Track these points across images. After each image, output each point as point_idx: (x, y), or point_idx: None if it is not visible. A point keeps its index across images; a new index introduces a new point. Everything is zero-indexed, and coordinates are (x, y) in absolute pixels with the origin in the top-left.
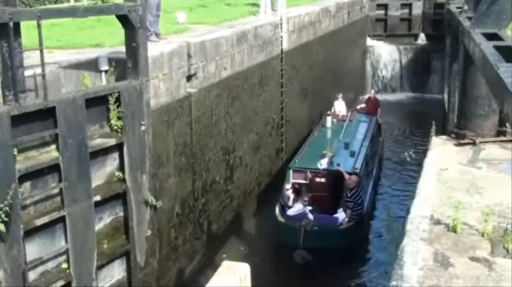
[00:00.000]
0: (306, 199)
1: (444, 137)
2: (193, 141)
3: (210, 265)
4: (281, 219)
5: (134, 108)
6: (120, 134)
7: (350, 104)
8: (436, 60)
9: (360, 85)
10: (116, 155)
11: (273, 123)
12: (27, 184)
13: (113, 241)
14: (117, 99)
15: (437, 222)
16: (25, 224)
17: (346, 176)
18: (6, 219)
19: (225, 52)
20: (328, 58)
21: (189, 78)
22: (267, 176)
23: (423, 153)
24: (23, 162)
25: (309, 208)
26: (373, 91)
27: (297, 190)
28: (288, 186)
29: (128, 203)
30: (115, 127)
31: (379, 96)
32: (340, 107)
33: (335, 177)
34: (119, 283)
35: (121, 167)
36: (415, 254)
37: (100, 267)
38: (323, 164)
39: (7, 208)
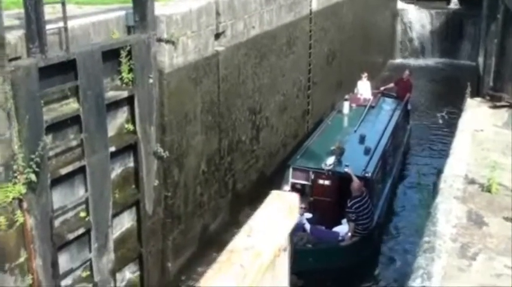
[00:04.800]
0: (303, 205)
1: (479, 99)
2: (220, 100)
3: (233, 224)
4: None
5: (143, 62)
6: (130, 87)
7: (378, 69)
8: (469, 25)
9: (389, 49)
10: (126, 107)
11: (299, 84)
12: (51, 135)
13: (124, 191)
14: (129, 53)
15: (472, 181)
16: (51, 173)
17: (355, 179)
18: (37, 169)
19: (253, 11)
20: (358, 20)
21: (217, 36)
22: (293, 138)
23: (455, 116)
24: (47, 114)
25: (308, 215)
26: (407, 72)
27: (298, 191)
28: (286, 188)
29: (138, 154)
30: (126, 80)
31: (408, 61)
32: (364, 88)
33: (342, 180)
34: (128, 231)
35: (131, 119)
36: (448, 212)
37: (114, 216)
38: (328, 163)
39: (38, 159)
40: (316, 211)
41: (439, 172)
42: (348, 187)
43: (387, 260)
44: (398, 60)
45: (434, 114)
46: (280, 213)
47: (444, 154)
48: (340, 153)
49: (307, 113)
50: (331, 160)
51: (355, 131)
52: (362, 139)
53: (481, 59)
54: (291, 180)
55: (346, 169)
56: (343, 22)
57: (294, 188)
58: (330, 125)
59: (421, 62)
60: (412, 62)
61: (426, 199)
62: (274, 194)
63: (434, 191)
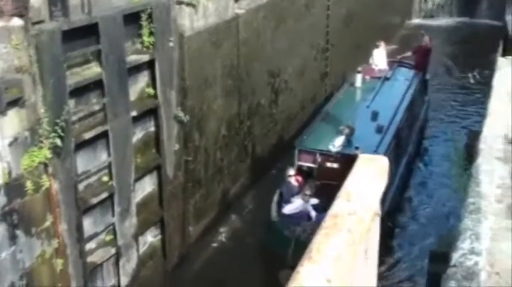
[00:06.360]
0: (308, 192)
1: (511, 57)
2: (240, 64)
3: (253, 188)
4: (274, 217)
5: (164, 25)
6: (151, 51)
7: (395, 30)
8: None
9: (407, 9)
10: (146, 71)
11: (318, 47)
12: (74, 100)
13: (145, 155)
14: (149, 16)
15: None
16: (75, 138)
17: None
18: (62, 134)
19: None
20: None
21: None
22: (311, 101)
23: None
24: (71, 78)
25: (314, 201)
26: (427, 38)
27: (305, 175)
28: (291, 172)
29: (158, 118)
30: (146, 44)
31: (425, 21)
32: (379, 57)
33: (352, 162)
34: (150, 195)
35: (152, 84)
36: (491, 172)
37: (135, 180)
38: (336, 144)
39: (63, 123)
40: (323, 196)
41: (471, 133)
42: None
43: (397, 253)
44: (416, 21)
45: (462, 75)
46: (371, 177)
47: (472, 115)
48: (349, 132)
49: (326, 76)
50: (339, 141)
51: (368, 107)
52: (375, 116)
53: (510, 17)
54: (297, 163)
55: (355, 151)
56: None
57: (300, 171)
58: (340, 100)
59: (438, 21)
60: (429, 22)
61: (454, 163)
62: (363, 158)
63: (467, 152)
